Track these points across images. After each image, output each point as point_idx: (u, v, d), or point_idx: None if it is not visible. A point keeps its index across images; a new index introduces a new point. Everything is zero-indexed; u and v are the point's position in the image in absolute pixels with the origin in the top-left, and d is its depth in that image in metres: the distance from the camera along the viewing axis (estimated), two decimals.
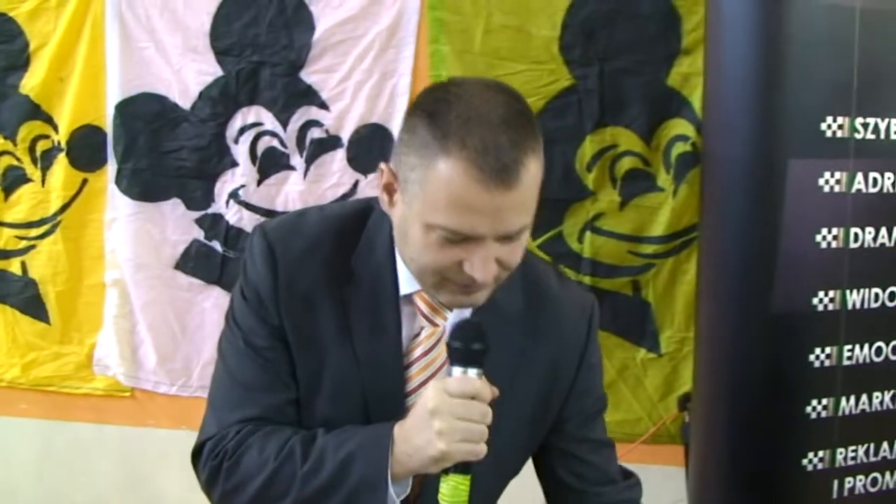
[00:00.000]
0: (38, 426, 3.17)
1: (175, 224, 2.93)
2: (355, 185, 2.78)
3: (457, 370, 1.15)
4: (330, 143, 2.79)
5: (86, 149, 3.00)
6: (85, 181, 3.04)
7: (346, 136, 2.80)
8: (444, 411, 1.11)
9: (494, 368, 1.17)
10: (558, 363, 1.31)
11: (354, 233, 1.25)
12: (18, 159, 3.09)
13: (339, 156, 2.80)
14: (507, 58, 2.64)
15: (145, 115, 2.92)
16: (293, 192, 2.84)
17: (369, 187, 2.79)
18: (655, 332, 2.64)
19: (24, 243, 3.13)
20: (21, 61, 3.05)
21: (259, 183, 2.86)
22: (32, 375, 3.14)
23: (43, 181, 3.07)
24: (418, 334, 1.24)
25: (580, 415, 1.36)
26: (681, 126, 2.57)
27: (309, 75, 2.79)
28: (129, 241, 3.00)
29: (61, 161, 3.04)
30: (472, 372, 1.14)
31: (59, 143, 3.03)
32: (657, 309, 2.63)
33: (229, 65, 2.83)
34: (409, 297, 1.24)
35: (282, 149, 2.85)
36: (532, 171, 1.09)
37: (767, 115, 2.07)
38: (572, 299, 1.36)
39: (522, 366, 1.27)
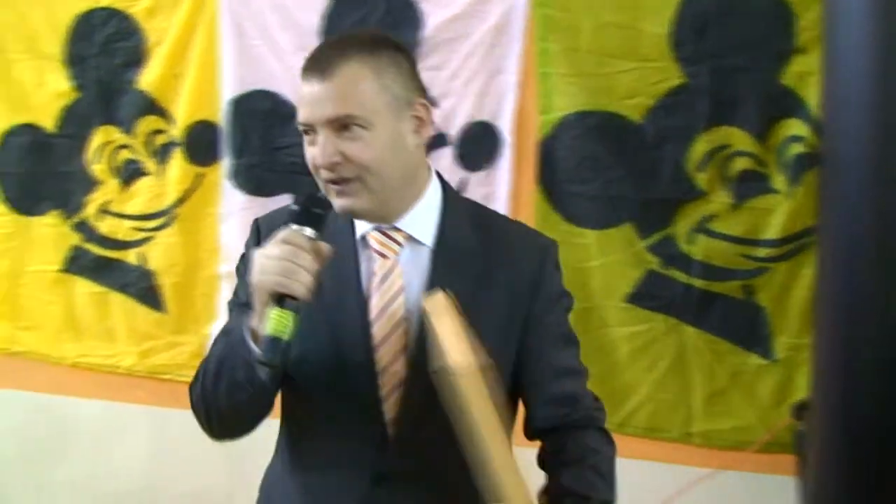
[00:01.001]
0: (153, 413, 3.30)
1: None
2: (463, 182, 2.80)
3: (294, 226, 1.35)
4: (438, 140, 2.81)
5: (201, 144, 3.14)
6: (200, 175, 3.16)
7: (454, 133, 2.82)
8: (266, 253, 1.32)
9: (460, 288, 1.40)
10: (513, 285, 1.50)
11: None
12: (136, 153, 3.21)
13: (447, 153, 2.82)
14: (616, 55, 2.66)
15: (258, 111, 3.03)
16: None
17: (478, 184, 2.80)
18: (768, 337, 2.61)
19: (141, 234, 3.28)
20: (138, 58, 3.17)
21: None
22: (149, 363, 3.30)
23: (160, 175, 3.19)
24: (374, 269, 1.47)
25: (542, 341, 1.52)
26: (796, 126, 2.56)
27: None
28: (243, 234, 3.09)
29: (177, 155, 3.18)
30: (307, 231, 1.34)
31: (175, 137, 3.14)
32: (771, 314, 2.62)
33: None
34: (364, 237, 1.50)
35: None
36: (353, 70, 1.39)
37: (889, 114, 2.00)
38: (523, 234, 1.59)
39: (482, 287, 1.48)
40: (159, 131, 3.24)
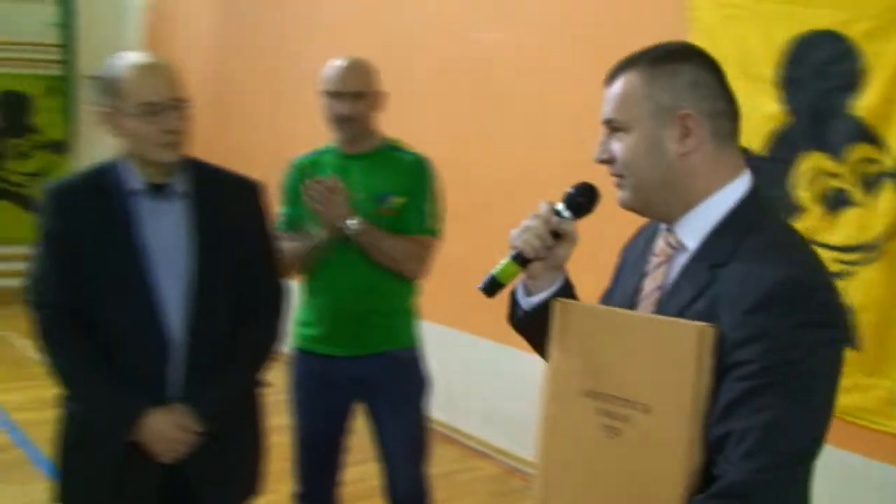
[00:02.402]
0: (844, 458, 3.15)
1: None
2: None
3: (558, 205, 1.67)
4: None
5: None
6: None
7: None
8: (524, 221, 1.66)
9: (684, 295, 1.53)
10: (726, 305, 1.47)
11: None
12: (844, 181, 3.08)
13: None
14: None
15: None
16: None
17: None
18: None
19: (841, 266, 3.11)
20: (853, 82, 3.05)
21: None
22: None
23: (867, 205, 3.05)
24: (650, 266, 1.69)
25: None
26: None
27: None
28: None
29: (889, 187, 2.93)
30: (566, 213, 1.66)
31: (888, 168, 2.95)
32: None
33: None
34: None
35: None
36: (628, 78, 1.56)
37: None
38: (763, 262, 1.47)
39: (701, 296, 1.50)
40: (871, 160, 3.06)
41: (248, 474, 2.62)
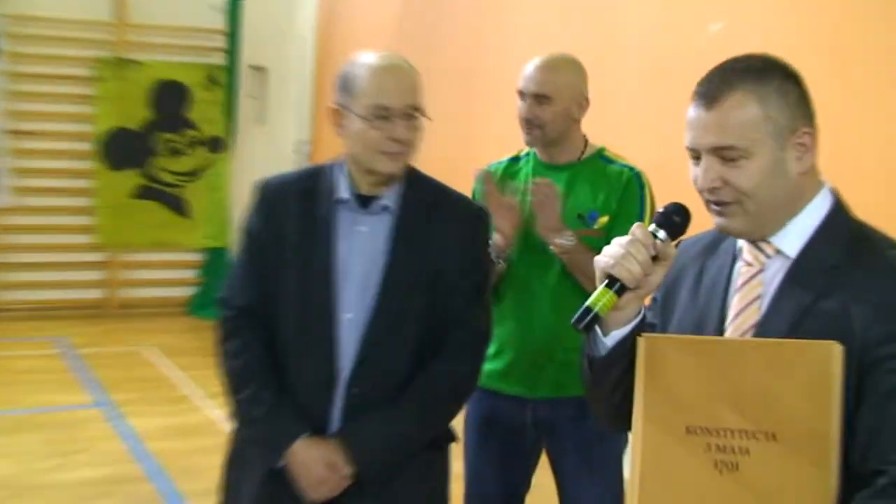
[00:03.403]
0: None
1: None
2: None
3: (652, 226, 1.78)
4: None
5: None
6: None
7: None
8: (617, 240, 1.77)
9: (797, 301, 1.73)
10: (849, 314, 1.67)
11: None
12: None
13: None
14: None
15: None
16: None
17: None
18: None
19: None
20: None
21: None
22: None
23: None
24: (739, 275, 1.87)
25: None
26: None
27: None
28: None
29: None
30: (660, 233, 1.77)
31: None
32: None
33: None
34: (741, 247, 1.89)
35: None
36: (737, 100, 1.73)
37: None
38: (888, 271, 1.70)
39: (817, 304, 1.70)
40: None
41: None
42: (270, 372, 2.51)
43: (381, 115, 2.41)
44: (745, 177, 1.72)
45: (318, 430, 2.47)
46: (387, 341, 2.47)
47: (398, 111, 2.42)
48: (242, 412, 2.55)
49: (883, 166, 3.84)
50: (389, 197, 2.51)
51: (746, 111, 1.71)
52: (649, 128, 5.02)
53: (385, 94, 2.41)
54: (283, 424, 2.47)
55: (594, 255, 2.93)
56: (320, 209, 2.51)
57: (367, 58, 2.48)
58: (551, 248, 2.98)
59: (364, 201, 2.50)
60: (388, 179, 2.49)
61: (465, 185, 3.25)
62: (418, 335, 2.51)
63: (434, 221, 2.53)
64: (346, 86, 2.47)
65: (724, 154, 1.73)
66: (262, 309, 2.53)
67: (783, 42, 4.30)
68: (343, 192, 2.51)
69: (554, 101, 3.05)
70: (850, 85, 3.96)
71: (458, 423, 2.66)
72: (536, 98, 3.05)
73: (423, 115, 2.48)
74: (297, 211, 2.52)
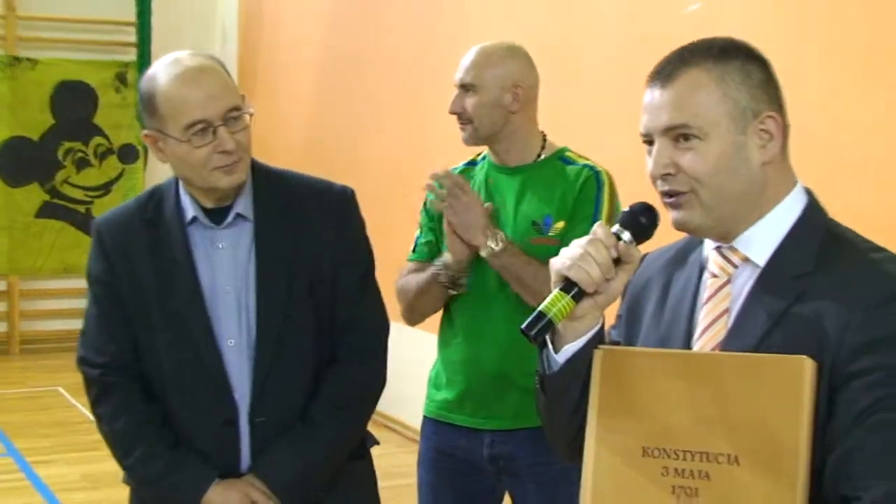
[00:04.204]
0: None
1: None
2: None
3: (616, 227, 1.80)
4: None
5: None
6: None
7: None
8: (576, 241, 1.77)
9: (766, 310, 1.74)
10: (821, 325, 1.68)
11: None
12: None
13: None
14: None
15: None
16: None
17: None
18: None
19: None
20: None
21: None
22: None
23: None
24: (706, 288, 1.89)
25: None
26: None
27: None
28: None
29: None
30: (625, 235, 1.78)
31: None
32: None
33: None
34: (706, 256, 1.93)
35: None
36: (692, 77, 1.76)
37: None
38: (868, 276, 1.70)
39: (787, 316, 1.72)
40: None
41: None
42: (157, 426, 2.53)
43: (199, 130, 2.38)
44: (699, 161, 1.74)
45: (228, 472, 2.51)
46: (278, 360, 2.50)
47: (217, 119, 2.38)
48: (140, 476, 2.56)
49: (868, 156, 3.91)
50: (242, 203, 2.51)
51: (702, 88, 1.74)
52: (621, 123, 5.05)
53: (196, 108, 2.38)
54: (188, 475, 2.49)
55: (529, 259, 3.02)
56: (171, 235, 2.51)
57: (162, 70, 2.44)
58: (480, 251, 2.97)
59: (216, 216, 2.50)
60: (232, 192, 2.48)
61: (414, 193, 3.28)
62: (311, 345, 2.54)
63: (296, 219, 2.55)
64: (150, 108, 2.44)
65: (678, 133, 1.74)
66: (130, 359, 2.53)
67: (763, 24, 4.39)
68: (191, 211, 2.50)
69: (479, 91, 3.05)
70: (834, 73, 4.04)
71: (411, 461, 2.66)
72: (463, 87, 3.07)
73: (247, 110, 2.45)
74: (144, 244, 2.52)
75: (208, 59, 2.50)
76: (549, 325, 1.78)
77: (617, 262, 1.78)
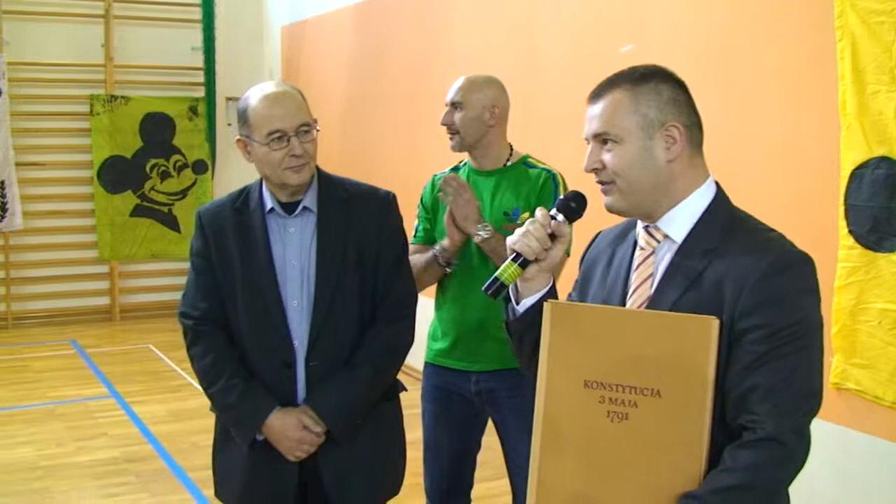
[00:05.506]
0: None
1: None
2: None
3: (553, 211, 1.88)
4: None
5: None
6: None
7: None
8: (523, 226, 1.86)
9: (679, 281, 1.78)
10: (721, 287, 1.73)
11: None
12: None
13: None
14: None
15: None
16: None
17: None
18: None
19: None
20: None
21: None
22: None
23: None
24: (636, 258, 1.93)
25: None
26: None
27: None
28: None
29: None
30: (559, 216, 1.87)
31: None
32: None
33: None
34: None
35: None
36: (614, 96, 1.82)
37: None
38: (757, 248, 1.75)
39: (695, 284, 1.76)
40: None
41: (384, 475, 2.70)
42: (236, 363, 2.58)
43: (277, 137, 2.47)
44: (616, 159, 1.81)
45: (286, 403, 2.56)
46: (330, 318, 2.55)
47: (291, 131, 2.47)
48: (219, 402, 2.61)
49: (772, 158, 3.96)
50: (308, 198, 2.58)
51: (619, 105, 1.81)
52: (570, 137, 5.09)
53: (276, 120, 2.47)
54: (256, 403, 2.54)
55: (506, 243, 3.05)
56: (253, 221, 2.57)
57: (255, 92, 2.54)
58: (473, 238, 3.01)
59: (288, 208, 2.57)
60: (300, 188, 2.55)
61: (413, 192, 3.32)
62: (357, 308, 2.58)
63: (350, 211, 2.60)
64: (244, 120, 2.53)
65: (602, 138, 1.82)
66: (218, 314, 2.60)
67: (681, 58, 4.42)
68: (270, 203, 2.58)
69: (465, 108, 3.10)
70: (736, 91, 4.08)
71: (414, 392, 2.69)
72: (453, 105, 3.13)
73: (314, 127, 2.54)
74: (233, 227, 2.58)
75: (289, 87, 2.58)
76: (502, 287, 1.85)
77: (552, 237, 1.86)
